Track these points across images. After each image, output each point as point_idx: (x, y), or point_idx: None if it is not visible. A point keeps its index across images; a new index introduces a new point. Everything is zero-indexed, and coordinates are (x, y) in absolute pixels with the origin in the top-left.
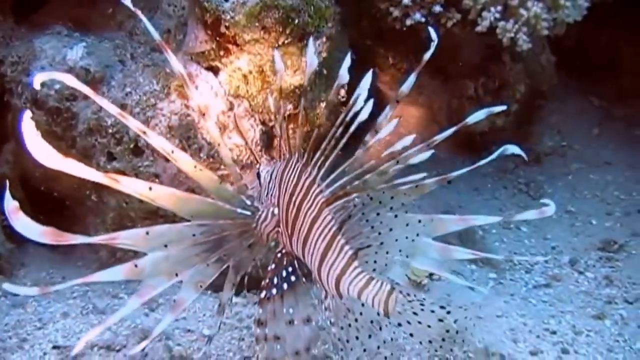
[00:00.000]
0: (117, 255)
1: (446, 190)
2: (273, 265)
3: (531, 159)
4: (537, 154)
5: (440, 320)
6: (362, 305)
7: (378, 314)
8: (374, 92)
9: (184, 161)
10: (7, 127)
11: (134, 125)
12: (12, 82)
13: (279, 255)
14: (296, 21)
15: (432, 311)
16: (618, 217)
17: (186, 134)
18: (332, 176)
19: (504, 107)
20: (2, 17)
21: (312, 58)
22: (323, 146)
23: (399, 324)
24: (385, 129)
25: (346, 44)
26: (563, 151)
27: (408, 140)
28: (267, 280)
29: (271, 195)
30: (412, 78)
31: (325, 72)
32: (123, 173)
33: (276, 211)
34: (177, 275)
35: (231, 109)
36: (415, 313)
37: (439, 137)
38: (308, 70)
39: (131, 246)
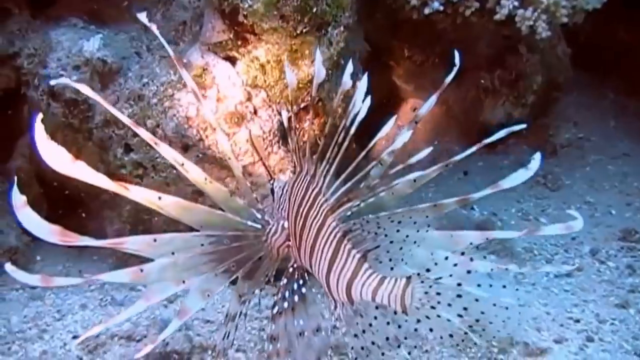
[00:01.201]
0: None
1: (463, 182)
2: (285, 280)
3: (548, 151)
4: (554, 146)
5: (460, 315)
6: (377, 308)
7: (395, 312)
8: (388, 86)
9: (194, 173)
10: (24, 120)
11: (146, 136)
12: (28, 75)
13: (290, 269)
14: (314, 10)
15: (450, 305)
16: (638, 208)
17: (203, 125)
18: (336, 184)
19: (524, 126)
20: (18, 10)
21: (320, 68)
22: (327, 155)
23: (418, 320)
24: (399, 139)
25: (361, 36)
26: (580, 143)
27: (407, 136)
28: (279, 295)
29: (282, 209)
30: (432, 100)
31: (342, 62)
32: (140, 165)
33: (286, 224)
34: (184, 282)
35: (249, 99)
36: (433, 307)
37: (457, 158)
38: (315, 82)
39: (138, 252)
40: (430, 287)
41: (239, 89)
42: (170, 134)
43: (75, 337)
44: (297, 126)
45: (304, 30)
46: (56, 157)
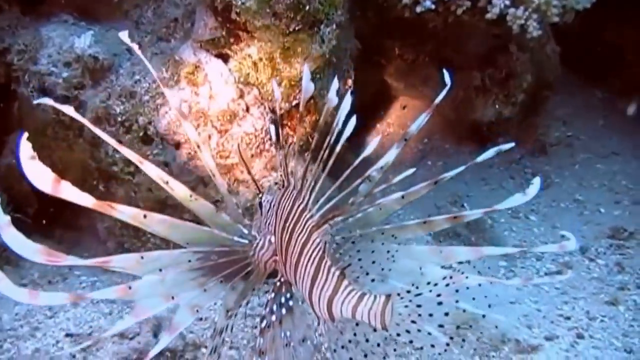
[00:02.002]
0: (125, 246)
1: (453, 181)
2: (272, 294)
3: (537, 150)
4: (543, 145)
5: (441, 325)
6: (357, 324)
7: (375, 329)
8: (378, 84)
9: (179, 191)
10: (14, 117)
11: (132, 156)
12: (19, 71)
13: (277, 283)
14: (307, 8)
15: (431, 315)
16: (626, 206)
17: (196, 122)
18: (322, 200)
19: (512, 145)
20: (8, 6)
21: (307, 84)
22: (313, 171)
23: (398, 334)
24: (388, 156)
25: (352, 34)
26: (569, 142)
27: (393, 154)
28: (267, 309)
29: (269, 223)
30: (421, 118)
31: (334, 60)
32: (132, 162)
33: (273, 239)
34: (173, 298)
35: (241, 96)
36: (413, 321)
37: (448, 175)
38: (304, 96)
39: (124, 270)
40: (410, 301)
41: (232, 86)
42: (162, 131)
43: (67, 335)
44: (285, 140)
45: (297, 28)
46: (41, 177)
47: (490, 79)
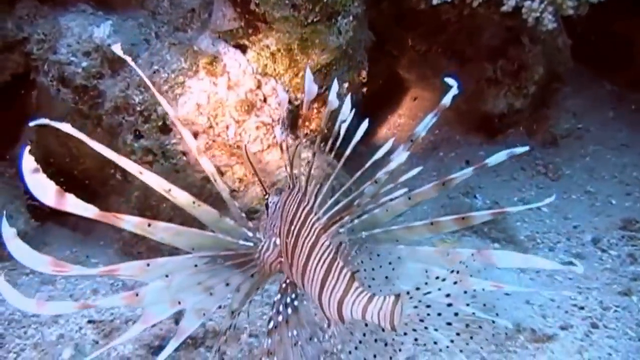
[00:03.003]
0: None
1: None
2: (279, 296)
3: (548, 141)
4: (554, 137)
5: (449, 323)
6: (366, 325)
7: (383, 330)
8: (390, 76)
9: (182, 198)
10: (31, 106)
11: (132, 167)
12: (38, 60)
13: (283, 285)
14: None
15: (440, 314)
16: (638, 197)
17: (214, 112)
18: (329, 202)
19: (526, 149)
20: None
21: (310, 85)
22: (319, 174)
23: (405, 334)
24: (396, 160)
25: (366, 25)
26: (579, 134)
27: (403, 157)
28: (274, 310)
29: (274, 225)
30: (428, 119)
31: (350, 51)
32: (150, 152)
33: (278, 241)
34: (179, 303)
35: (259, 87)
36: (422, 320)
37: (456, 176)
38: (307, 98)
39: (131, 277)
40: (420, 301)
41: (250, 77)
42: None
43: (90, 322)
44: (291, 143)
45: (315, 20)
46: (44, 191)
47: (502, 70)
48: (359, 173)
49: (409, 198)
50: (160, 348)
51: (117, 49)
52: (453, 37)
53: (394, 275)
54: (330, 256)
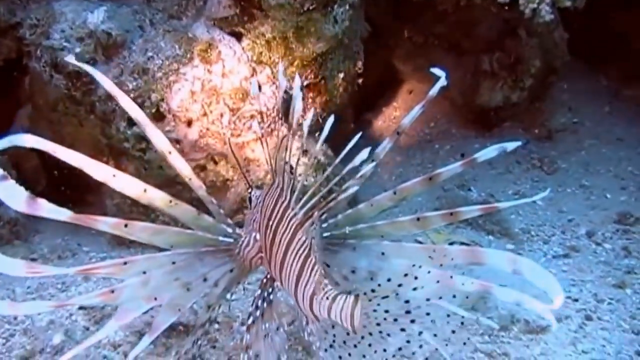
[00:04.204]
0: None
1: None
2: (259, 291)
3: (543, 135)
4: (549, 131)
5: (403, 329)
6: (332, 326)
7: (348, 333)
8: (386, 68)
9: (157, 198)
10: (25, 92)
11: (103, 171)
12: (30, 45)
13: (264, 280)
14: None
15: (396, 320)
16: (633, 192)
17: (208, 100)
18: (305, 198)
19: (518, 143)
20: None
21: (282, 80)
22: (292, 169)
23: (370, 334)
24: (380, 148)
25: (362, 15)
26: (575, 128)
27: (365, 153)
28: (253, 306)
29: (254, 220)
30: (414, 111)
31: (346, 41)
32: (144, 139)
33: (258, 237)
34: (155, 299)
35: (254, 75)
36: (378, 324)
37: (443, 170)
38: (280, 93)
39: (108, 275)
40: (379, 305)
41: (245, 64)
42: (174, 108)
43: (81, 308)
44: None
45: (311, 8)
46: (14, 197)
47: (499, 63)
48: (337, 178)
49: (394, 193)
50: None
51: (71, 59)
52: (450, 29)
53: (376, 272)
54: (305, 252)
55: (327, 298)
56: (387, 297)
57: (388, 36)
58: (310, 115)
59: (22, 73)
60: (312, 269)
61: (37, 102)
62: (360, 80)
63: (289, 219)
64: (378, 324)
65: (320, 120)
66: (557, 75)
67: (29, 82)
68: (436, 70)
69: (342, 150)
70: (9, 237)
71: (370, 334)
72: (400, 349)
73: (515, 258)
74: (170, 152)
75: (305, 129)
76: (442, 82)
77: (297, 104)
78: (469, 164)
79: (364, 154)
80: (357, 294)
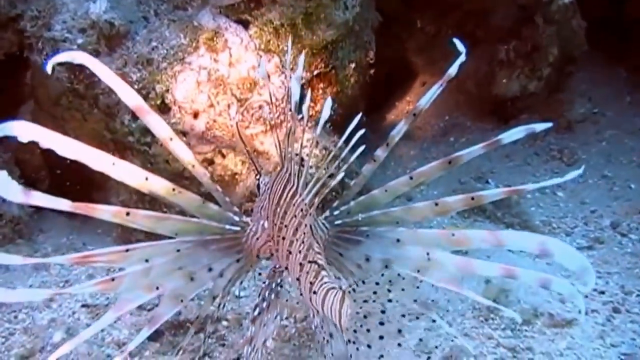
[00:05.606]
0: None
1: (477, 157)
2: (266, 282)
3: (563, 126)
4: (569, 121)
5: (382, 322)
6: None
7: (336, 327)
8: (398, 60)
9: (160, 186)
10: (27, 86)
11: (103, 160)
12: (32, 38)
13: (272, 271)
14: None
15: (382, 324)
16: None
17: (215, 90)
18: (310, 184)
19: (549, 124)
20: None
21: (263, 71)
22: (299, 156)
23: (355, 331)
24: (395, 131)
25: (373, 5)
26: (595, 118)
27: (399, 132)
28: (260, 297)
29: (262, 208)
30: (432, 90)
31: (357, 28)
32: (149, 132)
33: (267, 224)
34: (157, 289)
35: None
36: (361, 326)
37: (461, 153)
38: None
39: (109, 263)
40: (366, 302)
41: (252, 53)
42: (180, 100)
43: (84, 306)
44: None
45: None
46: (8, 190)
47: (515, 52)
48: (346, 165)
49: (411, 178)
50: (156, 333)
51: (50, 63)
52: (463, 18)
53: (391, 259)
54: (309, 241)
55: (323, 290)
56: (375, 293)
57: (400, 27)
58: (328, 103)
59: (23, 67)
60: (313, 259)
61: (39, 97)
62: (372, 72)
63: (296, 205)
64: (361, 326)
65: (333, 113)
66: (576, 64)
67: (30, 76)
68: (457, 42)
69: (354, 144)
70: (11, 236)
71: (355, 332)
72: (421, 339)
73: (543, 239)
74: (171, 139)
75: (322, 121)
76: (462, 58)
77: (298, 93)
78: (493, 145)
79: (400, 130)
80: (344, 290)
